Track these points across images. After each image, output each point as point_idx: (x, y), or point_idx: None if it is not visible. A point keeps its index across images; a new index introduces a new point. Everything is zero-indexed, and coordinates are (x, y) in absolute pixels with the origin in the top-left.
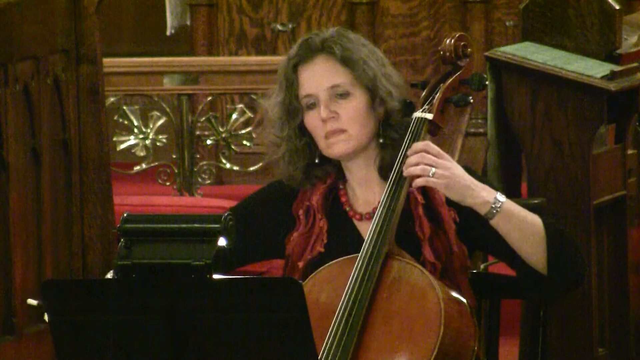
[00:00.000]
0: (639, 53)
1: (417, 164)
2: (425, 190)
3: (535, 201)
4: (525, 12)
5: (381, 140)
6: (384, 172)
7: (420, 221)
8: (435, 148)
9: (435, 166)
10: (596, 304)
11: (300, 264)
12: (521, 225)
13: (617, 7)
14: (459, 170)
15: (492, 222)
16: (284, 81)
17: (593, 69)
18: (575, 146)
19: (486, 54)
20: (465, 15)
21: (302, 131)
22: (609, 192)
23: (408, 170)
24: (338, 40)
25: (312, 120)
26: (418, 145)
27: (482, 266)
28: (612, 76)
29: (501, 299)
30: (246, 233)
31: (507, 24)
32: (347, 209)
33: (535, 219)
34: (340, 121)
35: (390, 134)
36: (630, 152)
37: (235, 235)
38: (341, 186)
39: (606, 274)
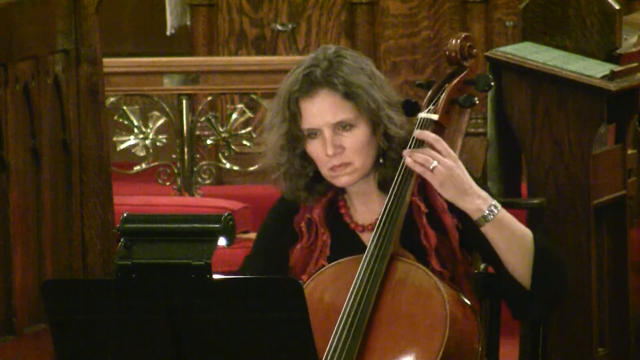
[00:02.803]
0: (639, 53)
1: (422, 153)
2: (427, 198)
3: (535, 201)
4: (525, 12)
5: (381, 161)
6: (383, 187)
7: (425, 231)
8: (444, 144)
9: (438, 162)
10: (596, 304)
11: (304, 278)
12: (511, 237)
13: (617, 7)
14: (460, 172)
15: (482, 229)
16: (287, 113)
17: (593, 69)
18: (575, 146)
19: (486, 54)
20: (465, 15)
21: (304, 157)
22: (609, 192)
23: (412, 155)
24: (339, 72)
25: (316, 150)
26: (430, 135)
27: (482, 266)
28: (612, 76)
29: (501, 299)
30: (269, 266)
31: (507, 24)
32: (348, 220)
33: (526, 234)
34: (345, 155)
35: (390, 155)
36: (630, 152)
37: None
38: (340, 198)
39: (606, 274)
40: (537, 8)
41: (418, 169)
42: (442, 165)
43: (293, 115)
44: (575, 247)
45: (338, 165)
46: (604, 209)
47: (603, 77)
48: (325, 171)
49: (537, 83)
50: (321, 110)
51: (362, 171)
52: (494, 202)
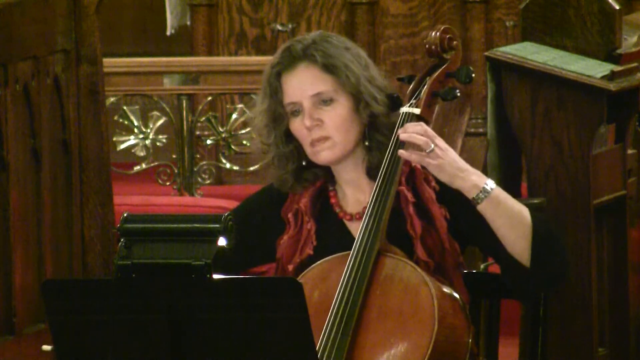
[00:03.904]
0: (639, 53)
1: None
2: (414, 188)
3: (535, 201)
4: (525, 12)
5: (367, 143)
6: (372, 173)
7: (411, 220)
8: (430, 130)
9: (434, 144)
10: (596, 304)
11: (290, 267)
12: (508, 213)
13: (617, 7)
14: (453, 153)
15: (480, 207)
16: (268, 89)
17: (593, 69)
18: (575, 146)
19: (486, 54)
20: (465, 15)
21: (289, 137)
22: (609, 192)
23: (411, 136)
24: (320, 47)
25: (297, 127)
26: (412, 125)
27: (482, 266)
28: (612, 76)
29: (500, 298)
30: (241, 242)
31: (507, 24)
32: (337, 210)
33: (523, 210)
34: (325, 128)
35: (375, 137)
36: (630, 152)
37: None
38: (330, 187)
39: (606, 274)
40: (537, 8)
41: (415, 158)
42: (437, 148)
43: (274, 90)
44: (575, 247)
45: (317, 139)
46: (604, 209)
47: (603, 77)
48: (307, 148)
49: (537, 83)
50: (300, 83)
51: (342, 147)
52: (488, 179)
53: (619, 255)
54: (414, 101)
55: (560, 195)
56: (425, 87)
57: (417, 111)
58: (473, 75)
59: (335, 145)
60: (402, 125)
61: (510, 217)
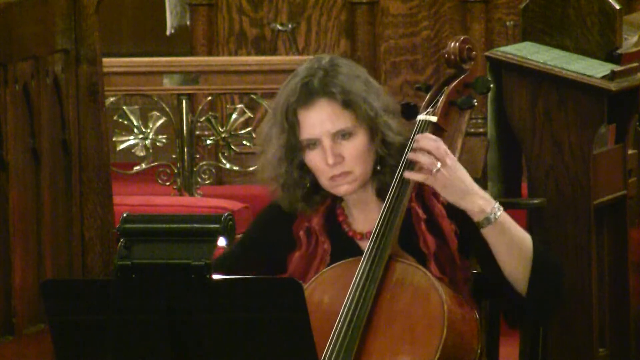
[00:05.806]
0: (639, 53)
1: (428, 153)
2: (424, 204)
3: (536, 201)
4: (525, 12)
5: (378, 168)
6: (381, 194)
7: (424, 237)
8: (444, 145)
9: (442, 163)
10: (596, 304)
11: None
12: (511, 240)
13: (617, 7)
14: (462, 173)
15: (483, 231)
16: (285, 124)
17: (593, 69)
18: (575, 146)
19: (486, 54)
20: (465, 15)
21: (302, 168)
22: (609, 192)
23: (417, 156)
24: (336, 80)
25: (315, 161)
26: (431, 136)
27: None
28: (612, 76)
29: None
30: (251, 260)
31: (507, 24)
32: (346, 228)
33: (526, 239)
34: (346, 164)
35: (387, 162)
36: (630, 152)
37: (241, 262)
38: (339, 206)
39: (606, 274)
40: (537, 8)
41: (419, 177)
42: (445, 167)
43: (292, 126)
44: (575, 247)
45: (338, 174)
46: (604, 209)
47: (603, 77)
48: (324, 181)
49: (537, 83)
50: (320, 120)
51: (361, 179)
52: (497, 204)
53: (619, 255)
54: (431, 109)
55: (560, 195)
56: (443, 96)
57: (433, 119)
58: (491, 85)
59: (355, 179)
60: (418, 132)
61: (512, 245)
